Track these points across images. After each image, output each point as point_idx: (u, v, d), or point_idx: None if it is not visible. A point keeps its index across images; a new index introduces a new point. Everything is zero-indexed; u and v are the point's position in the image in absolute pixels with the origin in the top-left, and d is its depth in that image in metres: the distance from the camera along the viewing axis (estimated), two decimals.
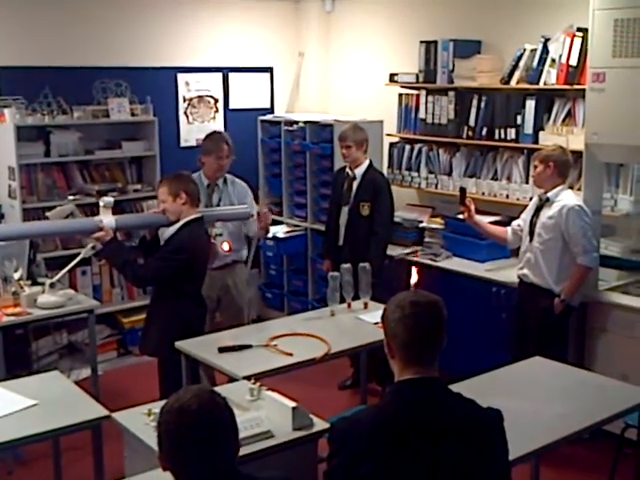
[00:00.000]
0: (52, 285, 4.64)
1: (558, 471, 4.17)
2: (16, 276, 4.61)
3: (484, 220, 4.94)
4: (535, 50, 5.22)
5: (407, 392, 2.21)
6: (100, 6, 6.23)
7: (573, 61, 4.98)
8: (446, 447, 2.13)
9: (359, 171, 5.33)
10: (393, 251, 5.63)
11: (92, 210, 5.50)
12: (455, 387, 2.34)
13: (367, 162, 5.36)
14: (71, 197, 5.81)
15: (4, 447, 3.14)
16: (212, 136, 5.28)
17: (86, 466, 3.31)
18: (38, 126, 5.83)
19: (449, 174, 5.88)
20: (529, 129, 5.25)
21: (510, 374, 3.66)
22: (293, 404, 3.05)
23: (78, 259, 4.62)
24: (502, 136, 5.42)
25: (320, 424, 3.05)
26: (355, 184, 5.34)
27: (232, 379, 3.62)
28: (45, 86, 5.93)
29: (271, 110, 7.21)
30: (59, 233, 5.26)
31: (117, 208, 4.90)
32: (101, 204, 4.36)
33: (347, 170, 5.40)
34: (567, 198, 4.44)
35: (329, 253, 5.58)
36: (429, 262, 5.41)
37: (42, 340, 5.51)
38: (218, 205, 5.09)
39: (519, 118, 5.30)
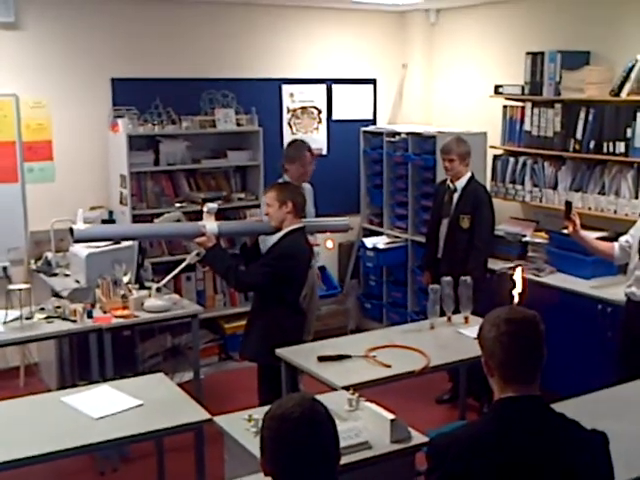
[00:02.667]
0: (158, 290, 4.77)
1: None
2: (125, 280, 4.74)
3: (590, 235, 4.80)
4: None
5: (508, 411, 2.16)
6: (208, 20, 6.42)
7: None
8: (548, 471, 2.08)
9: (460, 183, 5.29)
10: (495, 265, 5.55)
11: (198, 217, 5.58)
12: (558, 407, 2.27)
13: (469, 174, 5.31)
14: (178, 205, 5.98)
15: (111, 445, 3.25)
16: (295, 144, 5.44)
17: (188, 467, 3.39)
18: (148, 135, 6.04)
19: (554, 188, 5.75)
20: None
21: (616, 395, 3.52)
22: (392, 416, 3.04)
23: (183, 265, 4.76)
24: (610, 150, 5.27)
25: (418, 437, 3.02)
26: (456, 196, 5.29)
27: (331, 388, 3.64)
28: (156, 97, 6.16)
29: (374, 121, 7.23)
30: (165, 236, 5.46)
31: (221, 216, 5.01)
32: (205, 210, 4.47)
33: (448, 182, 5.36)
34: None
35: (429, 265, 5.55)
36: (532, 277, 5.31)
37: (148, 342, 5.69)
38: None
39: (629, 131, 5.15)
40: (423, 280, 5.57)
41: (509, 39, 6.38)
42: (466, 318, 4.40)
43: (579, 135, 5.50)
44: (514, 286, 2.97)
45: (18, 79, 5.78)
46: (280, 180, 5.23)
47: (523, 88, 5.91)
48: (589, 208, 5.40)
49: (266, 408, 2.11)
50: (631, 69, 5.16)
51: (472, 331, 4.08)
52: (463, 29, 6.88)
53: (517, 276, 3.05)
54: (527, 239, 5.73)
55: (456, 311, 4.45)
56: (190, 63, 6.35)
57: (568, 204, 4.60)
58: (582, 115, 5.47)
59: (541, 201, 5.85)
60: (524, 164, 6.00)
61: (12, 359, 5.79)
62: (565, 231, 4.91)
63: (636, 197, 5.14)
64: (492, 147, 6.22)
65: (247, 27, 6.61)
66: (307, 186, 5.43)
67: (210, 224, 4.36)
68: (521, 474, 2.08)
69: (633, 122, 5.13)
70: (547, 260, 5.53)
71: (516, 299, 2.96)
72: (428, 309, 4.39)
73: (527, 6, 6.24)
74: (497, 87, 6.12)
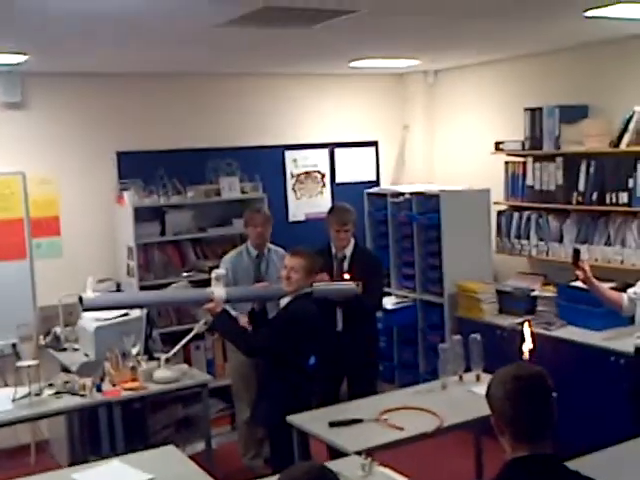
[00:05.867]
0: (167, 360, 4.75)
1: None
2: (134, 351, 4.74)
3: (602, 284, 4.76)
4: None
5: (521, 472, 2.13)
6: (208, 91, 6.56)
7: None
8: None
9: (348, 250, 5.23)
10: (504, 321, 5.52)
11: (205, 286, 5.64)
12: (572, 464, 2.24)
13: (353, 240, 5.28)
14: (185, 274, 6.01)
15: None
16: (248, 208, 5.65)
17: None
18: (154, 206, 6.11)
19: (560, 241, 5.76)
20: None
21: (633, 450, 3.47)
22: None
23: (192, 334, 4.76)
24: (614, 200, 5.30)
25: None
26: (345, 264, 5.20)
27: (341, 454, 3.59)
28: (160, 168, 6.23)
29: (377, 183, 7.30)
30: (173, 302, 5.51)
31: None
32: (213, 276, 4.48)
33: (334, 252, 5.25)
34: None
35: None
36: (543, 331, 5.26)
37: (159, 414, 5.64)
38: (266, 273, 5.32)
39: (631, 181, 5.18)
40: None
41: (507, 96, 6.47)
42: (477, 376, 4.36)
43: (581, 187, 5.54)
44: (523, 341, 2.95)
45: (25, 156, 5.89)
46: (243, 246, 5.44)
47: (523, 143, 5.97)
48: (596, 259, 5.39)
49: (276, 478, 2.09)
50: (629, 120, 5.21)
51: (483, 389, 4.01)
52: (461, 88, 6.99)
53: (526, 331, 3.04)
54: (535, 293, 5.71)
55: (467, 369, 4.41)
56: (193, 134, 6.46)
57: (576, 252, 4.55)
58: (583, 168, 5.52)
59: (547, 255, 5.86)
60: (528, 219, 6.02)
61: (22, 437, 5.73)
62: (575, 283, 4.89)
63: None
64: (496, 203, 6.25)
65: (248, 96, 6.73)
66: (276, 249, 5.48)
67: (218, 290, 4.36)
68: None
69: (634, 172, 5.16)
70: (557, 314, 5.49)
71: (526, 354, 2.94)
72: (439, 368, 4.36)
73: (523, 64, 6.34)
74: (498, 143, 6.18)
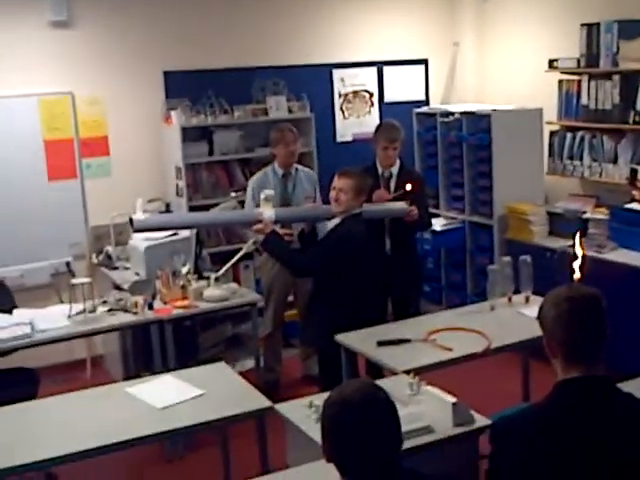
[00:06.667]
0: (217, 279, 4.80)
1: None
2: (184, 270, 4.78)
3: None
4: None
5: (572, 392, 2.12)
6: (255, 9, 6.43)
7: None
8: (616, 449, 2.03)
9: (394, 169, 5.18)
10: (555, 243, 5.46)
11: None
12: (625, 386, 2.22)
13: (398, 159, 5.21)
14: (233, 194, 6.03)
15: (175, 435, 3.32)
16: (274, 126, 5.49)
17: (252, 454, 3.40)
18: (202, 126, 6.09)
19: (614, 162, 5.61)
20: None
21: None
22: (453, 399, 3.01)
23: (240, 254, 4.79)
24: None
25: (481, 420, 2.99)
26: (392, 183, 5.15)
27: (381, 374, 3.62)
28: (208, 88, 6.18)
29: (426, 102, 7.16)
30: (222, 223, 5.54)
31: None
32: (262, 197, 4.48)
33: (380, 170, 5.18)
34: None
35: None
36: (594, 254, 5.18)
37: (208, 332, 5.74)
38: (293, 192, 5.24)
39: None
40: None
41: (562, 11, 6.23)
42: (527, 298, 4.32)
43: (639, 107, 5.36)
44: (575, 258, 2.89)
45: (73, 76, 5.89)
46: (269, 167, 5.35)
47: (579, 61, 5.78)
48: None
49: (326, 394, 2.11)
50: None
51: (533, 311, 4.00)
52: (515, 3, 6.74)
53: (577, 253, 2.98)
54: (587, 216, 5.60)
55: (517, 291, 4.38)
56: (240, 52, 6.37)
57: (634, 172, 4.47)
58: None
59: (601, 176, 5.73)
60: (582, 139, 5.87)
61: (78, 352, 5.91)
62: (633, 204, 4.77)
63: None
64: (548, 123, 6.10)
65: (295, 13, 6.61)
66: (305, 171, 5.44)
67: (267, 211, 4.36)
68: (585, 452, 2.04)
69: None
70: (609, 236, 5.39)
71: (577, 273, 2.88)
72: (488, 290, 4.34)
73: None
74: (551, 61, 5.99)
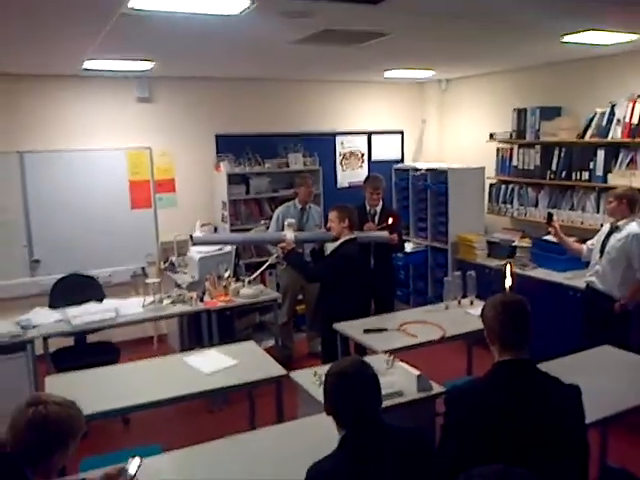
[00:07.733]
0: (249, 282, 4.78)
1: (626, 438, 3.82)
2: (226, 275, 4.78)
3: (568, 238, 4.63)
4: (604, 112, 4.90)
5: (505, 370, 2.09)
6: (279, 92, 6.45)
7: (635, 120, 4.64)
8: (534, 413, 2.00)
9: (378, 208, 5.08)
10: (492, 263, 5.42)
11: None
12: (542, 366, 2.19)
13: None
14: (262, 222, 6.00)
15: (216, 393, 3.28)
16: (300, 175, 5.54)
17: (271, 408, 3.36)
18: (242, 174, 6.08)
19: (536, 206, 5.60)
20: (600, 172, 4.93)
21: (583, 358, 3.39)
22: (417, 372, 2.98)
23: (267, 265, 4.78)
24: (578, 177, 5.12)
25: (437, 388, 2.96)
26: (377, 218, 5.05)
27: (366, 353, 3.57)
28: (246, 146, 6.19)
29: (402, 160, 7.15)
30: (256, 242, 5.56)
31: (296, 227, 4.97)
32: (286, 223, 4.48)
33: (368, 209, 5.10)
34: (633, 227, 4.07)
35: None
36: (519, 271, 5.15)
37: (242, 319, 5.69)
38: (307, 222, 5.27)
39: (591, 164, 4.99)
40: None
41: (500, 99, 6.25)
42: (471, 301, 4.29)
43: (554, 167, 5.36)
44: (505, 278, 2.87)
45: (151, 136, 5.91)
46: (292, 202, 5.37)
47: (511, 134, 5.78)
48: (562, 220, 5.22)
49: (327, 367, 2.09)
50: (592, 119, 5.01)
51: (476, 311, 3.96)
52: (466, 93, 6.77)
53: (507, 270, 2.96)
54: (515, 244, 5.58)
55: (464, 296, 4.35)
56: (270, 123, 6.38)
57: (549, 215, 4.46)
58: (556, 153, 5.33)
59: (525, 216, 5.70)
60: (512, 190, 5.86)
61: (148, 331, 5.88)
62: (548, 237, 4.76)
63: (597, 212, 4.97)
64: (489, 177, 6.09)
65: (309, 96, 6.62)
66: (315, 207, 5.46)
67: (289, 234, 4.34)
68: (514, 415, 2.00)
69: (594, 157, 4.97)
70: (530, 259, 5.37)
71: (508, 284, 2.86)
72: (444, 295, 4.31)
73: (511, 75, 6.10)
74: (492, 134, 5.98)
